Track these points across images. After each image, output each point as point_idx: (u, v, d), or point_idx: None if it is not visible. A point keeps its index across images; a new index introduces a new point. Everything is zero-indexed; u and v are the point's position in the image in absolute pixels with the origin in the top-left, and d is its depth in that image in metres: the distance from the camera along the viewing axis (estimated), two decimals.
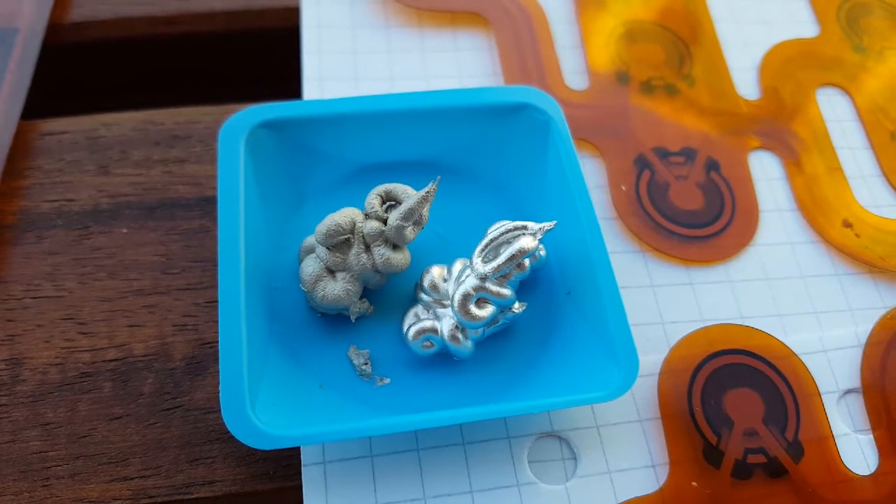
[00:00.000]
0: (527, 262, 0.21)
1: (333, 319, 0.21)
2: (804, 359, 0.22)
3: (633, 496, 0.20)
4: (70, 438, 0.20)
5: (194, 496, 0.19)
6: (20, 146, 0.24)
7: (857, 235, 0.25)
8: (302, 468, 0.20)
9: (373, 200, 0.21)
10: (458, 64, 0.27)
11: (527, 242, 0.20)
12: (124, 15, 0.28)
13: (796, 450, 0.21)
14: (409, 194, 0.21)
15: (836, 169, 0.26)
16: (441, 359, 0.21)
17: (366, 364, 0.21)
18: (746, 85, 0.28)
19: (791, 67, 0.28)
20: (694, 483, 0.20)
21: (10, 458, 0.20)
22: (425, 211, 0.21)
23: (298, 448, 0.20)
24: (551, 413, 0.21)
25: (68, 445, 0.20)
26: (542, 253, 0.22)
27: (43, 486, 0.19)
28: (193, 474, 0.20)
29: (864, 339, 0.23)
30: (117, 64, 0.30)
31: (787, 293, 0.23)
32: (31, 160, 0.24)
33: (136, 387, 0.21)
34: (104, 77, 0.30)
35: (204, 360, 0.21)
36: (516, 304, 0.21)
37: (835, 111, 0.27)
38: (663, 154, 0.25)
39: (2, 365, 0.21)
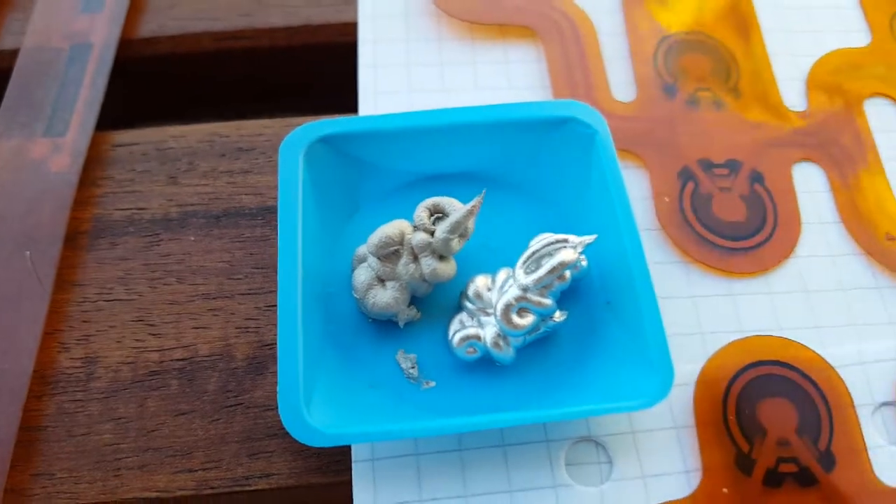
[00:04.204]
0: (567, 273, 0.21)
1: (383, 324, 0.22)
2: (840, 371, 0.22)
3: (665, 500, 0.20)
4: (140, 432, 0.21)
5: (252, 488, 0.20)
6: (94, 157, 0.26)
7: None
8: (352, 464, 0.20)
9: (421, 213, 0.22)
10: (507, 76, 0.27)
11: (567, 255, 0.21)
12: (191, 30, 0.29)
13: (828, 460, 0.21)
14: (456, 207, 0.22)
15: (881, 181, 0.26)
16: (484, 364, 0.22)
17: (413, 367, 0.22)
18: (793, 95, 0.27)
19: (840, 77, 0.28)
20: (725, 489, 0.20)
21: (86, 449, 0.21)
22: (471, 223, 0.22)
23: (349, 444, 0.21)
24: (588, 418, 0.21)
25: (138, 439, 0.21)
26: (584, 263, 0.22)
27: (115, 475, 0.21)
28: (252, 467, 0.21)
29: None
30: (184, 76, 0.30)
31: (826, 305, 0.23)
32: (104, 170, 0.26)
33: (201, 385, 0.22)
34: (171, 89, 0.31)
35: (264, 360, 0.22)
36: (557, 313, 0.21)
37: (883, 121, 0.27)
38: (707, 166, 0.26)
39: (78, 363, 0.22)
